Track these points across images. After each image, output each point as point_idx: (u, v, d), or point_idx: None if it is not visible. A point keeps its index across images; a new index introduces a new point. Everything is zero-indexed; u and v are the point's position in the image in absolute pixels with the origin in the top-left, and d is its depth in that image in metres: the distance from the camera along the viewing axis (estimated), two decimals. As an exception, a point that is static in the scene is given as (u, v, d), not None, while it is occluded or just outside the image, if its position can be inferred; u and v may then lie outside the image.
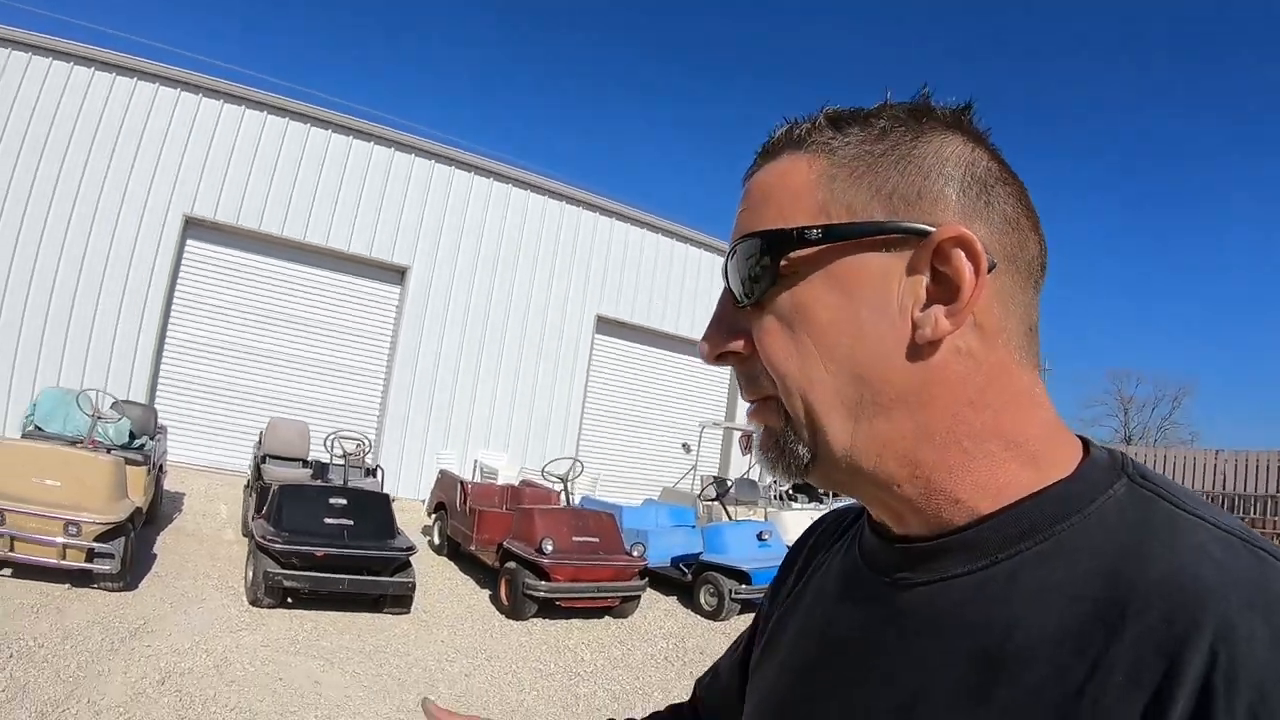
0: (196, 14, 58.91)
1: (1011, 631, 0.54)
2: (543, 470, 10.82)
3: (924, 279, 0.60)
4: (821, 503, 14.95)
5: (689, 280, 18.95)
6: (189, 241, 13.46)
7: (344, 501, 7.88)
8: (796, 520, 12.32)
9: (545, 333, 16.60)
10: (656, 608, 9.40)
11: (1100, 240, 69.06)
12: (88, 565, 6.48)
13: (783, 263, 0.62)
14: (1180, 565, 0.51)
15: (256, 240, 13.96)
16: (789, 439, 0.64)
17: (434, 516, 11.17)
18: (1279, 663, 0.45)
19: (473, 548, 9.54)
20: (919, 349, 0.60)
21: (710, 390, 19.67)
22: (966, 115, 0.64)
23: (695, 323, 18.88)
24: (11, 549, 6.30)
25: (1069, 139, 68.01)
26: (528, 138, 76.36)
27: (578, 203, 17.34)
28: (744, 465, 18.20)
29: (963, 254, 0.58)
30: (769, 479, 17.42)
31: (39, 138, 12.27)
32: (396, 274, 15.24)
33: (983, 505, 0.60)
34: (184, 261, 13.44)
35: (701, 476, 13.35)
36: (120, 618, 6.16)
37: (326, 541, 7.32)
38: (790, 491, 16.59)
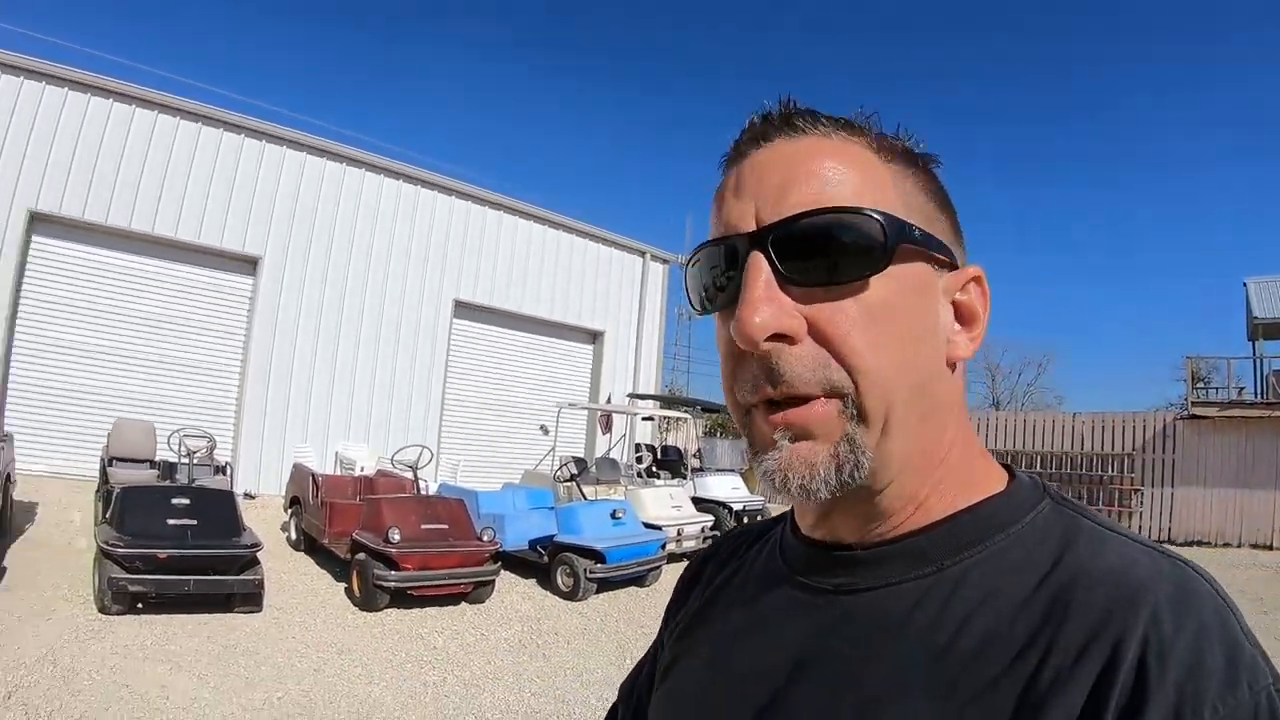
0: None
1: (964, 630, 0.58)
2: (392, 459, 10.82)
3: (948, 303, 0.65)
4: (684, 479, 15.07)
5: (547, 262, 19.06)
6: (35, 238, 12.62)
7: (186, 501, 7.76)
8: (655, 497, 12.58)
9: (403, 320, 16.42)
10: (514, 591, 9.61)
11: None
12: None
13: (897, 251, 0.60)
14: (1115, 566, 0.56)
15: (105, 234, 13.20)
16: (856, 445, 0.60)
17: (290, 511, 11.06)
18: (1198, 647, 0.51)
19: (326, 541, 9.52)
20: (949, 366, 0.65)
21: (571, 372, 19.96)
22: (935, 163, 0.68)
23: (554, 304, 19.11)
24: None
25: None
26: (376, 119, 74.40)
27: (432, 186, 17.16)
28: (605, 445, 18.49)
29: (978, 288, 0.66)
30: (633, 457, 17.74)
31: None
32: (249, 264, 14.72)
33: (934, 515, 0.64)
34: (30, 260, 12.59)
35: (560, 457, 13.54)
36: (-32, 636, 5.96)
37: (169, 543, 7.21)
38: (652, 469, 16.89)
